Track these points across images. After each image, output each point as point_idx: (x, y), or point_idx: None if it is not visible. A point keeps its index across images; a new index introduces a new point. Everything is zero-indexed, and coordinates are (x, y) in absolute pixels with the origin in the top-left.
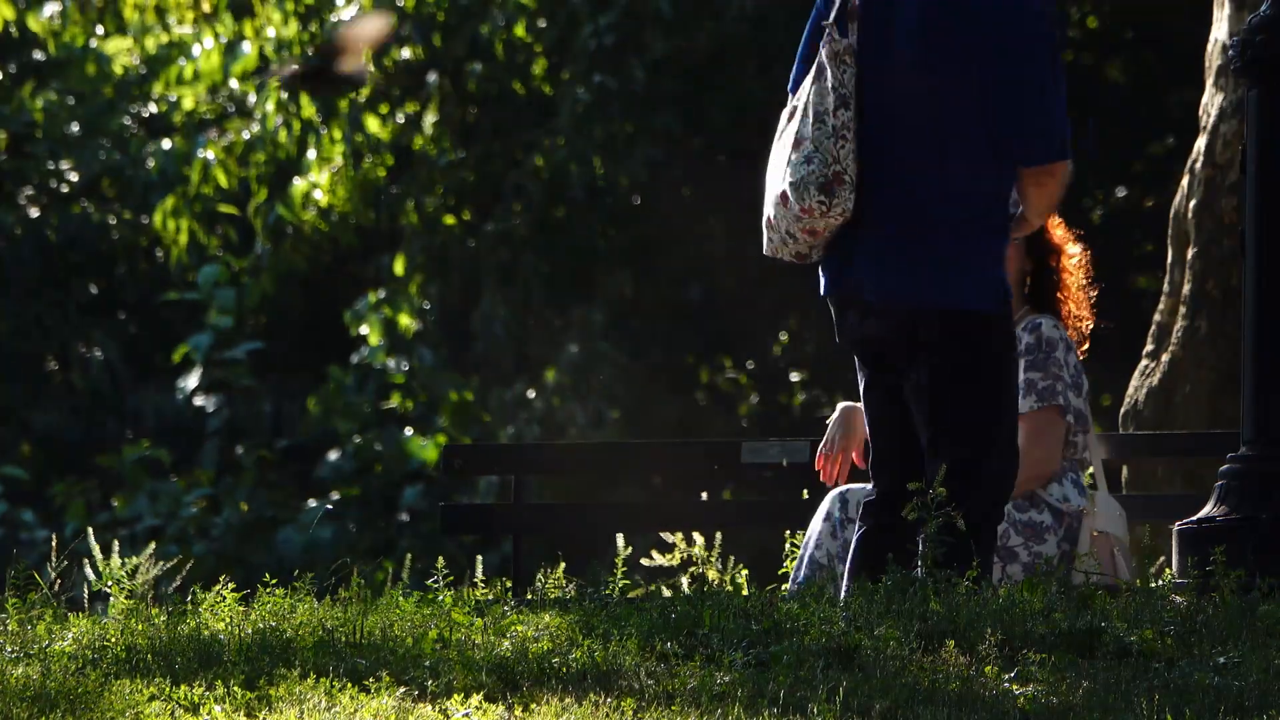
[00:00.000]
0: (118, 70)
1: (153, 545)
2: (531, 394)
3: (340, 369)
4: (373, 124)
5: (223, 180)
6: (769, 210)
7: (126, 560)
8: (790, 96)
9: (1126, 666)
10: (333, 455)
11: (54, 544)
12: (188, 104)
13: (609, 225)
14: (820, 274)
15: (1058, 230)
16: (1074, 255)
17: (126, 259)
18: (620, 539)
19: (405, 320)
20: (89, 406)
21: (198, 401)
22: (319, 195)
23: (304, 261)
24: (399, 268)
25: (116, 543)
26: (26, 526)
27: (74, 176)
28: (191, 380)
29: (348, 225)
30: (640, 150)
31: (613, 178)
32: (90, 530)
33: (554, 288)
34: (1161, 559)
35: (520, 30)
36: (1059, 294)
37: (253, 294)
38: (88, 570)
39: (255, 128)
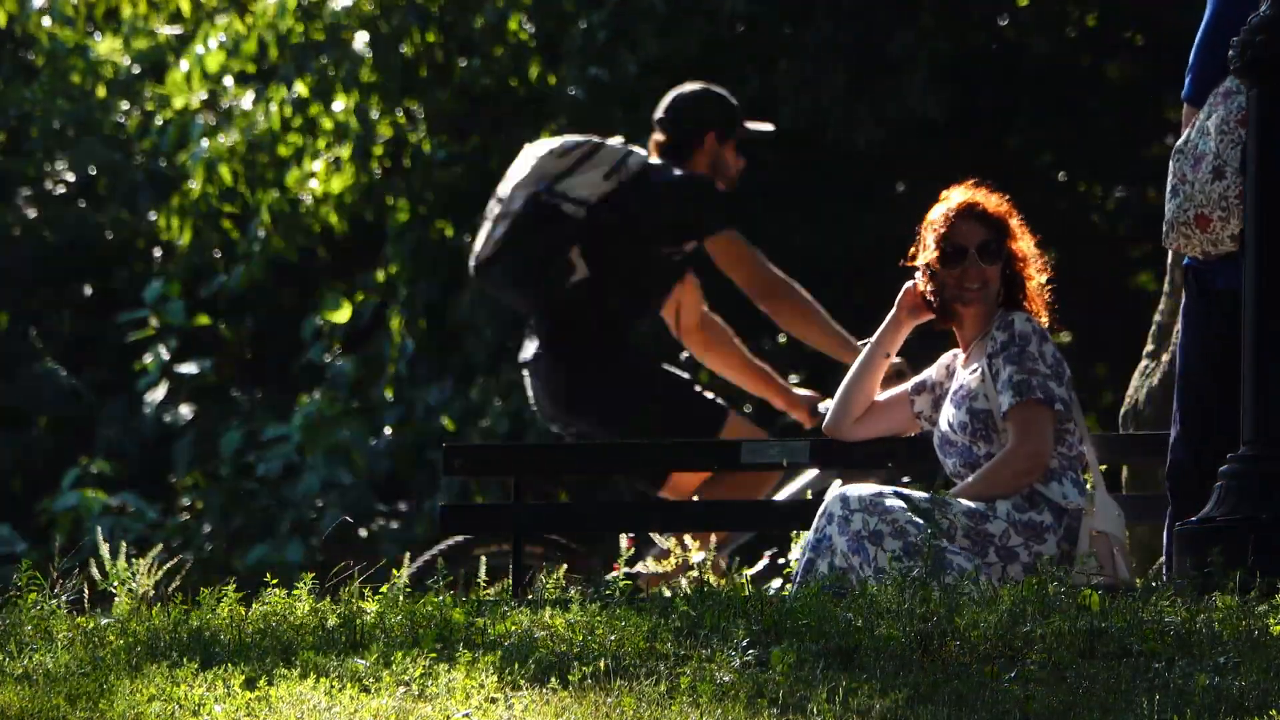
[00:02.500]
0: (108, 72)
1: (159, 547)
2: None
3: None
4: (372, 104)
5: (227, 179)
6: (1221, 212)
7: (134, 561)
8: (1194, 101)
9: (1126, 666)
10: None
11: (56, 546)
12: (178, 103)
13: None
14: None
15: (1024, 239)
16: (1037, 262)
17: (124, 260)
18: (624, 540)
19: (395, 324)
20: (58, 421)
21: (166, 417)
22: (314, 184)
23: (294, 251)
24: (382, 276)
25: (124, 544)
26: (4, 540)
27: (70, 176)
28: (157, 394)
29: (344, 211)
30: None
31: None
32: (99, 529)
33: None
34: (1161, 559)
35: (514, 24)
36: (1021, 296)
37: (243, 279)
38: (93, 570)
39: (259, 124)
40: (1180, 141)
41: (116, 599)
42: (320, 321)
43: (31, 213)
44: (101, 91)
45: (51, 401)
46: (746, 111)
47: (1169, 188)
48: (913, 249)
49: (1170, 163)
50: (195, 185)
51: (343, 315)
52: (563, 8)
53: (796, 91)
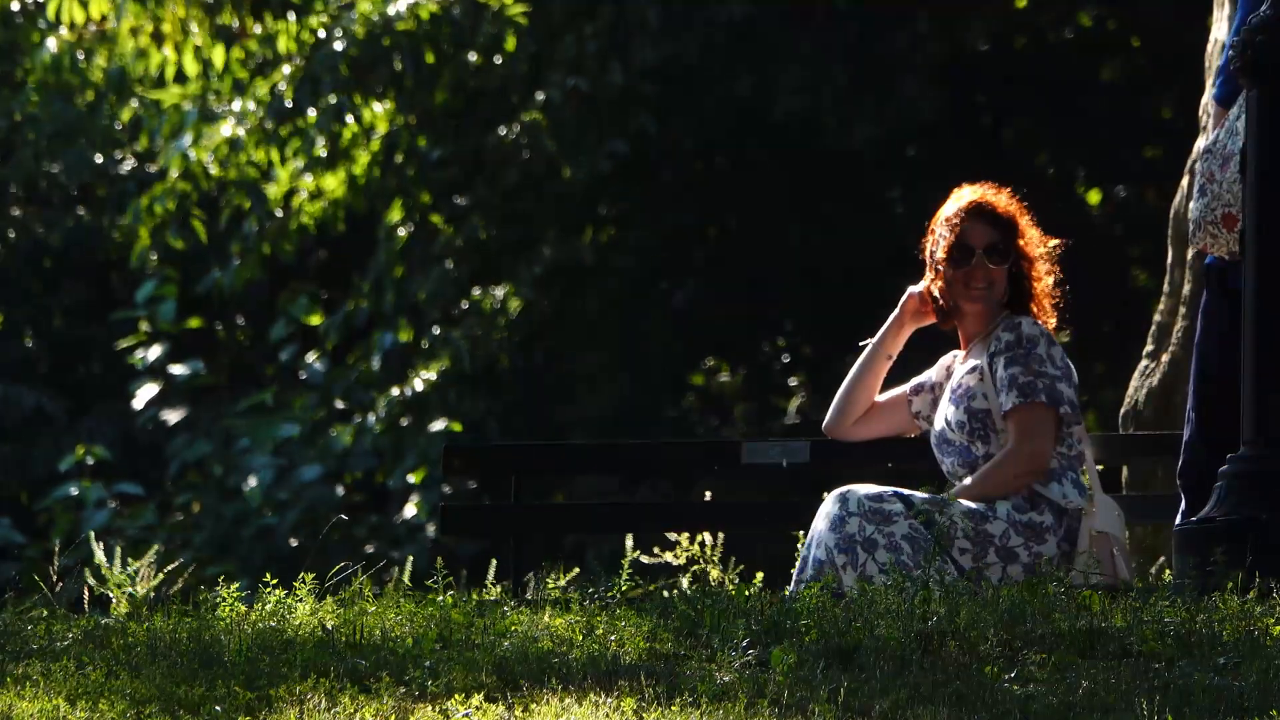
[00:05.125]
0: (97, 76)
1: (155, 548)
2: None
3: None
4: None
5: (202, 182)
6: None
7: (129, 563)
8: (1224, 101)
9: (1126, 666)
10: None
11: (55, 549)
12: (169, 105)
13: (600, 227)
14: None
15: (1033, 239)
16: (1046, 263)
17: (117, 265)
18: (630, 540)
19: (403, 333)
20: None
21: (163, 416)
22: (309, 179)
23: (289, 245)
24: (397, 270)
25: (119, 548)
26: (2, 534)
27: (64, 180)
28: (147, 394)
29: (336, 213)
30: (611, 147)
31: (576, 176)
32: (91, 534)
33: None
34: (1161, 559)
35: (511, 44)
36: (1027, 296)
37: (238, 277)
38: (90, 578)
39: (241, 129)
40: (1209, 141)
41: (114, 602)
42: (289, 325)
43: (26, 216)
44: (90, 95)
45: (15, 424)
46: (742, 115)
47: (1197, 187)
48: (922, 242)
49: (1198, 162)
50: (173, 174)
51: (315, 319)
52: (553, 26)
53: (794, 94)
